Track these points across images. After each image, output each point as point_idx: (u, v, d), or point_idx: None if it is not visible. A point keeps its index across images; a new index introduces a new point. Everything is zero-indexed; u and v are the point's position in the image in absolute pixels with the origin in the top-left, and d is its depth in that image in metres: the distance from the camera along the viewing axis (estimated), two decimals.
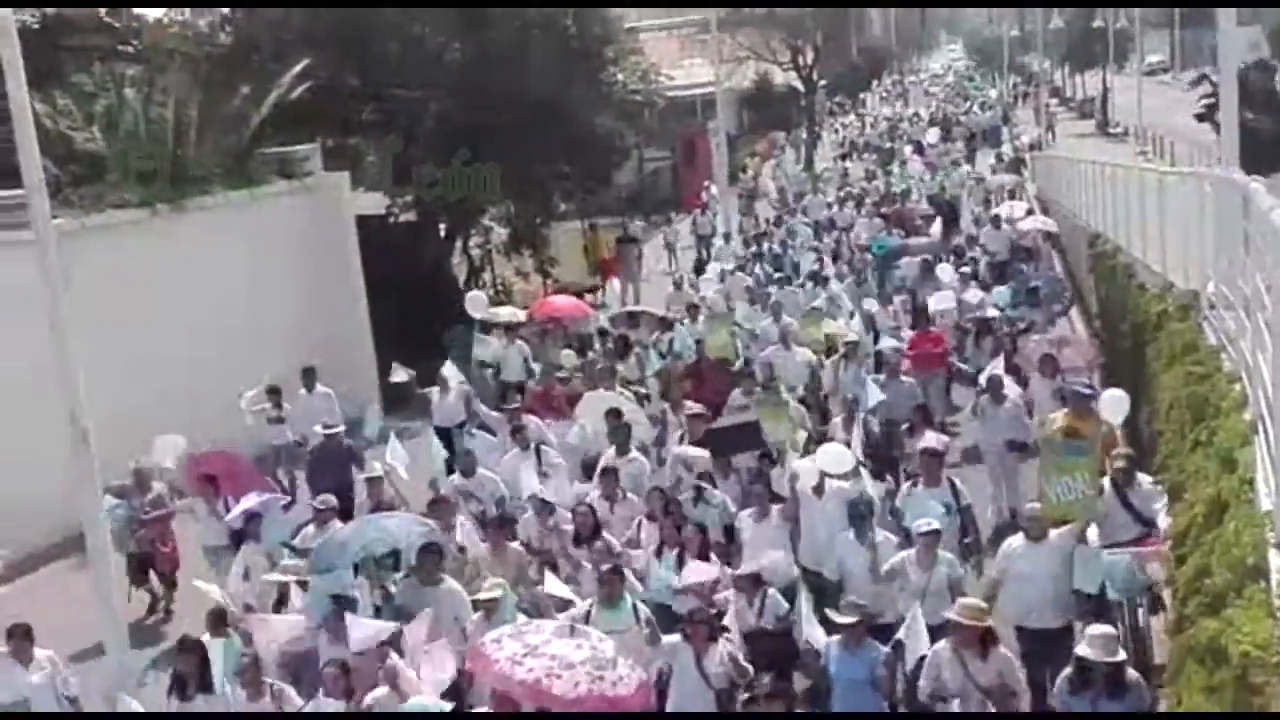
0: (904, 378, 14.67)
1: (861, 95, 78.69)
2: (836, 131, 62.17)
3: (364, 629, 8.96)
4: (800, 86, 58.37)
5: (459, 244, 27.57)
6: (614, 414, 13.17)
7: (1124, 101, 58.92)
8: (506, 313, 20.02)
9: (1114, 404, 11.66)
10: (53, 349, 10.44)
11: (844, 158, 50.16)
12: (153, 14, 25.67)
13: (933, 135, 48.04)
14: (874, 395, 13.57)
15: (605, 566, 9.60)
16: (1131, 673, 7.66)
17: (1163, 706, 7.74)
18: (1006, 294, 18.96)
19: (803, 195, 36.93)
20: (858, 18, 66.32)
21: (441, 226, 26.49)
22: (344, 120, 23.38)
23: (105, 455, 10.89)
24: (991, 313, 17.76)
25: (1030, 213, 26.78)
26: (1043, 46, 67.26)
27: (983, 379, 14.20)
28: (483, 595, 9.41)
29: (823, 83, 61.78)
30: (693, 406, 13.65)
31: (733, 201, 36.52)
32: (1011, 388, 13.85)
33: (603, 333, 19.25)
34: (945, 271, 20.52)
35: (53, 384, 10.59)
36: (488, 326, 19.01)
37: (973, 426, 14.60)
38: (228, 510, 12.41)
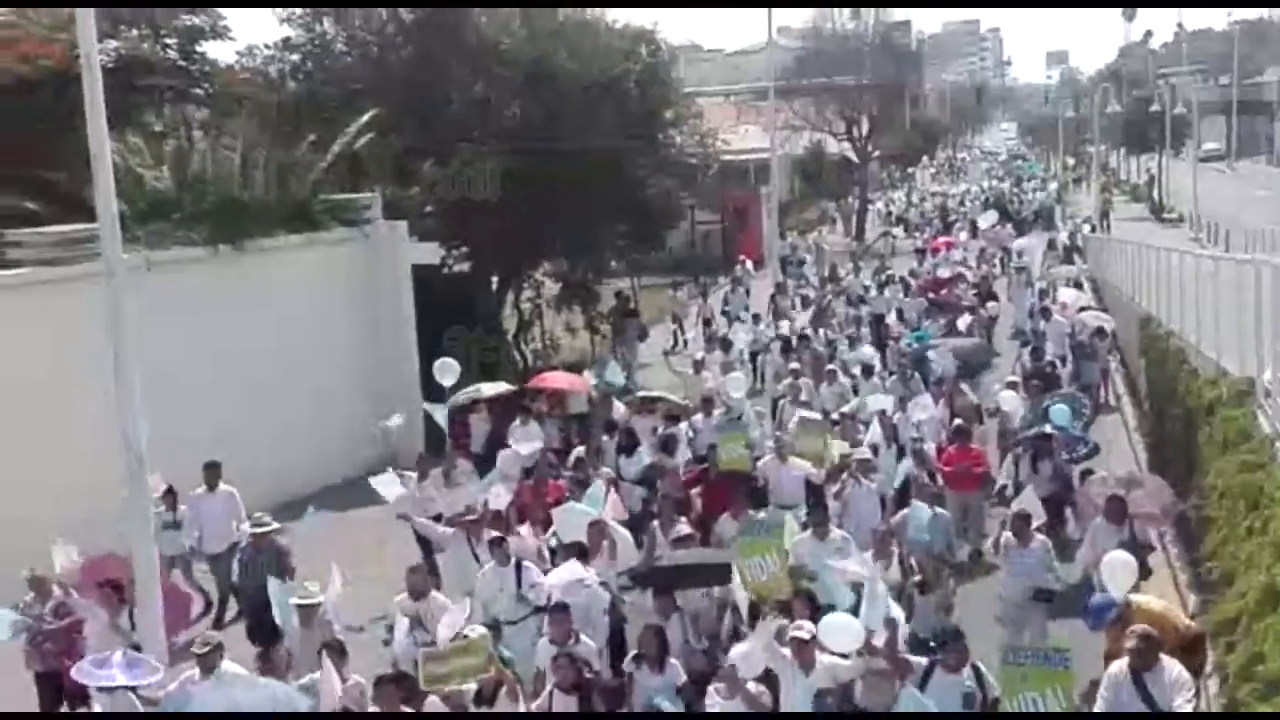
0: (938, 510, 12.59)
1: (910, 170, 78.98)
2: (885, 206, 62.30)
3: None
4: (854, 157, 58.78)
5: (510, 297, 27.81)
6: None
7: (1178, 187, 58.95)
8: (490, 388, 18.36)
9: (1120, 571, 9.27)
10: (114, 379, 10.67)
11: (888, 234, 49.19)
12: (224, 59, 26.27)
13: (987, 219, 45.33)
14: (918, 524, 11.71)
15: None
16: None
17: None
18: (1066, 411, 15.79)
19: (837, 277, 34.13)
20: (913, 92, 66.73)
21: (494, 279, 26.74)
22: (405, 171, 23.74)
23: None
24: (1048, 429, 15.00)
25: (1088, 307, 25.08)
26: (1098, 130, 67.36)
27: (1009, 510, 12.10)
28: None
29: (876, 154, 62.17)
30: (681, 528, 11.82)
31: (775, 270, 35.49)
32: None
33: (610, 425, 16.80)
34: (1010, 400, 17.27)
35: (111, 413, 10.78)
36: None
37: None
38: (133, 624, 10.96)
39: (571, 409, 18.41)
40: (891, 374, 19.72)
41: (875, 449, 14.66)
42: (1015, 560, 11.39)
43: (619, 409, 17.54)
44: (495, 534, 11.64)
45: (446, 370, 16.98)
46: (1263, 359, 12.04)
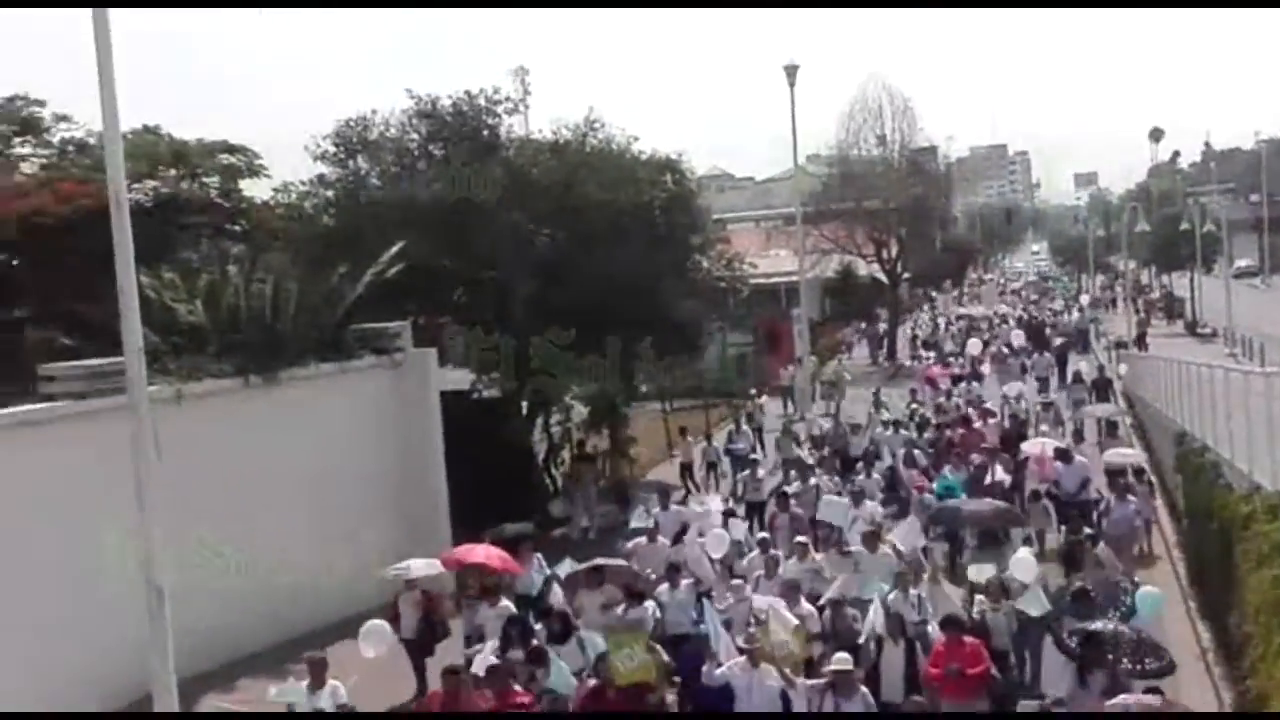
0: None
1: (931, 294, 78.91)
2: (912, 329, 61.85)
3: None
4: (884, 278, 59.09)
5: (540, 420, 27.89)
6: None
7: (1211, 303, 58.83)
8: (422, 565, 16.15)
9: None
10: (137, 511, 10.71)
11: (917, 357, 47.38)
12: (260, 195, 26.93)
13: (1017, 336, 44.63)
14: None
15: None
16: None
17: None
18: (1157, 599, 13.38)
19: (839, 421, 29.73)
20: (942, 214, 67.27)
21: (524, 403, 26.85)
22: (436, 299, 24.05)
23: (180, 618, 11.06)
24: (1101, 625, 11.67)
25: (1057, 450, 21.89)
26: (1126, 248, 67.52)
27: None
28: None
29: (906, 276, 62.46)
30: None
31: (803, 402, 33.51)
32: None
33: (546, 612, 14.30)
34: (1024, 566, 14.35)
35: (134, 548, 10.80)
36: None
37: None
38: None
39: (518, 589, 15.84)
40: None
41: (879, 643, 12.27)
42: None
43: (557, 592, 15.28)
44: None
45: (374, 637, 14.18)
46: None
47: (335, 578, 18.65)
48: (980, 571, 14.46)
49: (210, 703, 13.89)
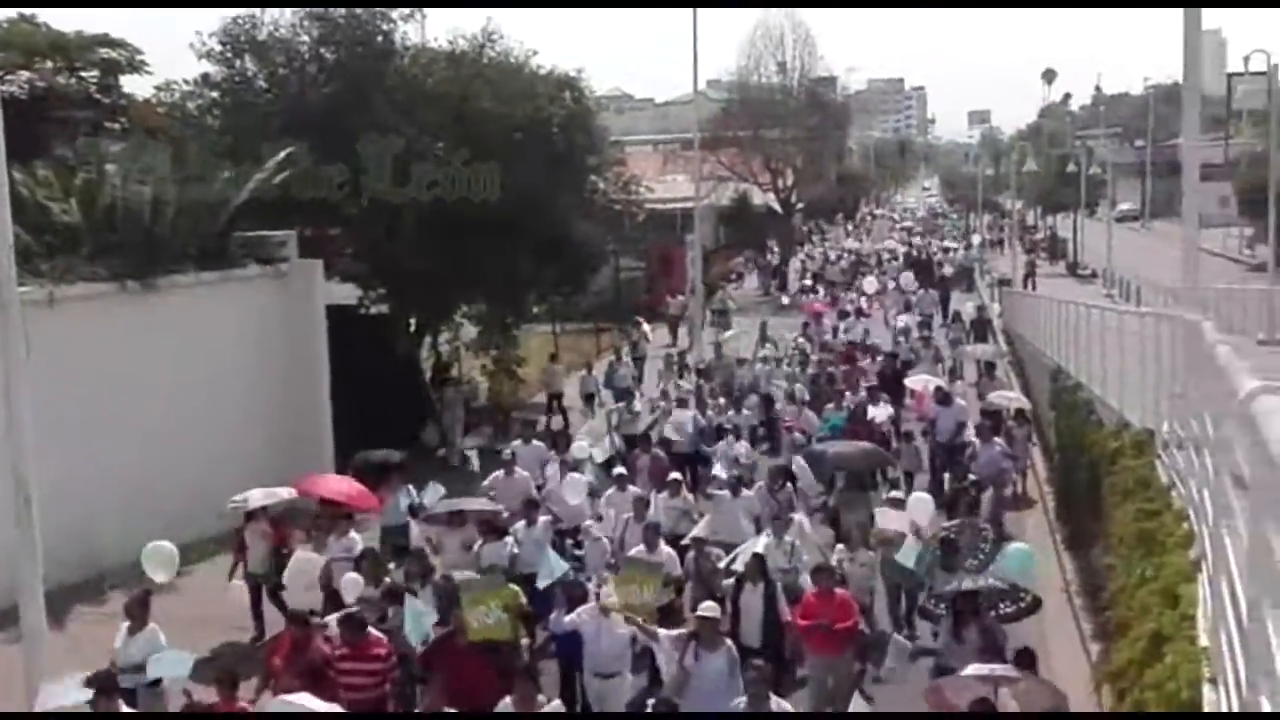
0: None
1: (823, 226, 79.48)
2: (802, 262, 62.18)
3: None
4: (778, 208, 59.41)
5: (428, 339, 27.57)
6: None
7: (1093, 245, 60.32)
8: (262, 495, 14.94)
9: None
10: (5, 416, 10.39)
11: (807, 290, 46.84)
12: (141, 93, 25.95)
13: (907, 279, 42.91)
14: None
15: None
16: None
17: None
18: (1025, 555, 12.09)
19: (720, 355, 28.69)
20: (838, 146, 67.73)
21: (412, 321, 26.51)
22: (324, 210, 23.53)
23: (50, 527, 10.78)
24: (978, 583, 11.13)
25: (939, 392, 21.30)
26: (1015, 188, 68.70)
27: None
28: None
29: (800, 206, 62.89)
30: None
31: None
32: None
33: (399, 550, 14.02)
34: (920, 507, 13.94)
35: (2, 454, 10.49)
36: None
37: None
38: None
39: (384, 520, 15.46)
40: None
41: (739, 584, 11.82)
42: None
43: (414, 528, 14.96)
44: None
45: (158, 560, 13.14)
46: (1161, 411, 12.25)
47: (211, 492, 18.32)
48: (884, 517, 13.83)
49: (79, 612, 13.59)
